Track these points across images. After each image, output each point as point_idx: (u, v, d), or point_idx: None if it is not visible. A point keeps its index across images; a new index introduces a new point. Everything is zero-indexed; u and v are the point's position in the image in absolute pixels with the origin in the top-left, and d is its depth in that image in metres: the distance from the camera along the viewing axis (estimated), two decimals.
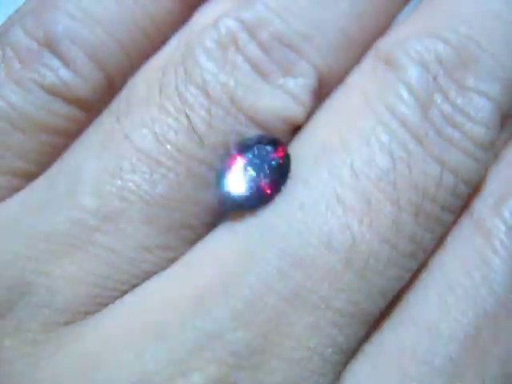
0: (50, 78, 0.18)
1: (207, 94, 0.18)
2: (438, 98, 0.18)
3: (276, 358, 0.16)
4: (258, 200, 0.17)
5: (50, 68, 0.18)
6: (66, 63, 0.18)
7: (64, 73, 0.18)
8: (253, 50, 0.18)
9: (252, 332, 0.16)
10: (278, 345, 0.16)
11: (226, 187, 0.17)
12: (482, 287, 0.18)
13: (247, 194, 0.17)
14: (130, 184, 0.17)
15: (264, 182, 0.17)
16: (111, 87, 0.19)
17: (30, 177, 0.18)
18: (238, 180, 0.17)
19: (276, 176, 0.17)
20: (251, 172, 0.18)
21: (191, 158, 0.17)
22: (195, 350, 0.16)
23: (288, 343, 0.16)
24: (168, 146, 0.17)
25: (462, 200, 0.18)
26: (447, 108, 0.18)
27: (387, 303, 0.17)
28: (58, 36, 0.18)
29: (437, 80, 0.18)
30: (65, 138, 0.18)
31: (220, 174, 0.18)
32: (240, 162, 0.18)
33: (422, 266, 0.18)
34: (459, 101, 0.18)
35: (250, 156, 0.18)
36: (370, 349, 0.17)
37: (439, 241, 0.18)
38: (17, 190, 0.18)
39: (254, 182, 0.17)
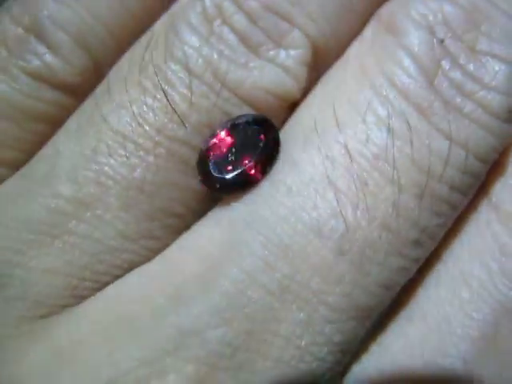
0: (35, 64, 0.16)
1: (188, 69, 0.16)
2: (446, 65, 0.15)
3: (262, 357, 0.14)
4: (243, 184, 0.15)
5: (36, 54, 0.16)
6: (52, 48, 0.16)
7: (50, 58, 0.16)
8: (239, 20, 0.16)
9: (234, 329, 0.14)
10: (264, 343, 0.14)
11: (208, 170, 0.15)
12: (500, 280, 0.15)
13: (232, 177, 0.15)
14: (106, 168, 0.16)
15: (250, 164, 0.15)
16: (99, 72, 0.17)
17: (18, 166, 0.17)
18: (222, 162, 0.15)
19: (263, 158, 0.15)
20: (236, 154, 0.15)
21: (171, 139, 0.16)
22: (171, 349, 0.14)
23: (276, 341, 0.14)
24: (146, 127, 0.16)
25: (477, 179, 0.15)
26: (456, 75, 0.15)
27: (392, 297, 0.15)
28: (43, 21, 0.17)
29: (444, 44, 0.15)
30: (53, 125, 0.17)
31: (203, 155, 0.16)
32: (224, 143, 0.16)
33: (433, 256, 0.16)
34: (470, 66, 0.15)
35: (236, 136, 0.16)
36: (375, 348, 0.15)
37: (451, 226, 0.16)
38: (4, 179, 0.17)
39: (239, 164, 0.15)
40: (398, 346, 0.15)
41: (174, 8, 0.17)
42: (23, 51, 0.17)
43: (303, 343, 0.14)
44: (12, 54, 0.17)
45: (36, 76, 0.16)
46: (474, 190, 0.16)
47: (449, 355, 0.15)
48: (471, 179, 0.15)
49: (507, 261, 0.15)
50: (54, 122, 0.17)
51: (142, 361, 0.14)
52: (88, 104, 0.17)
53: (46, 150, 0.17)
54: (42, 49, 0.16)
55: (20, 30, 0.17)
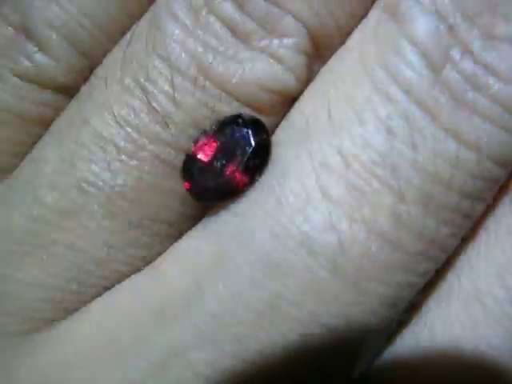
0: (24, 63, 0.15)
1: (170, 65, 0.14)
2: (456, 54, 0.13)
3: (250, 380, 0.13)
4: (230, 192, 0.14)
5: (25, 53, 0.15)
6: (43, 48, 0.15)
7: (39, 57, 0.15)
8: (227, 7, 0.14)
9: (218, 351, 0.13)
10: (249, 366, 0.13)
11: (193, 176, 0.14)
12: None
13: (218, 184, 0.14)
14: (87, 174, 0.14)
15: (238, 171, 0.14)
16: (91, 70, 0.16)
17: (9, 171, 0.16)
18: (208, 168, 0.14)
19: (252, 164, 0.14)
20: (223, 159, 0.14)
21: (155, 141, 0.14)
22: (153, 371, 0.13)
23: (263, 364, 0.13)
24: (128, 129, 0.14)
25: (494, 183, 0.14)
26: (468, 66, 0.13)
27: (398, 315, 0.14)
28: (33, 20, 0.15)
29: (453, 30, 0.13)
30: (45, 126, 0.16)
31: (188, 160, 0.14)
32: (211, 146, 0.14)
33: (446, 268, 0.14)
34: (485, 55, 0.13)
35: (223, 139, 0.14)
36: (379, 363, 0.14)
37: (466, 235, 0.14)
38: None
39: (227, 170, 0.14)
40: (404, 364, 0.14)
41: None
42: (13, 52, 0.15)
43: (296, 368, 0.13)
44: (1, 55, 0.16)
45: (24, 76, 0.15)
46: (491, 196, 0.14)
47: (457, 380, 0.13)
48: (486, 184, 0.13)
49: None
50: (47, 124, 0.16)
51: (126, 382, 0.13)
52: (71, 105, 0.15)
53: (34, 155, 0.16)
54: (30, 48, 0.15)
55: (10, 30, 0.16)
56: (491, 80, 0.13)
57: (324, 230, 0.13)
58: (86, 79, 0.16)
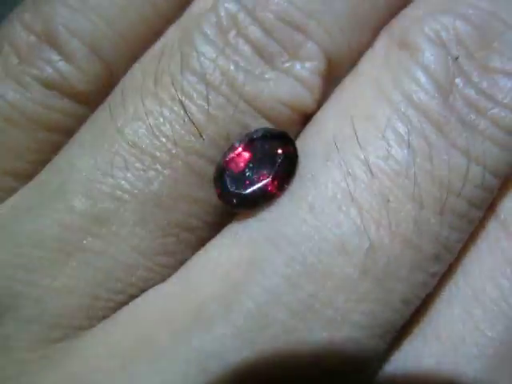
0: (48, 72, 0.16)
1: (205, 81, 0.15)
2: (460, 82, 0.15)
3: None
4: (261, 200, 0.15)
5: (49, 62, 0.16)
6: (66, 56, 0.16)
7: (63, 66, 0.16)
8: (254, 31, 0.15)
9: (256, 352, 0.14)
10: (284, 365, 0.14)
11: (225, 185, 0.15)
12: None
13: (249, 192, 0.15)
14: (123, 182, 0.15)
15: (267, 180, 0.15)
16: (112, 79, 0.16)
17: (27, 177, 0.16)
18: (239, 177, 0.15)
19: (282, 173, 0.15)
20: (254, 169, 0.15)
21: (189, 151, 0.15)
22: (193, 374, 0.13)
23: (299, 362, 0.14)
24: (163, 139, 0.15)
25: (490, 194, 0.15)
26: (470, 92, 0.15)
27: (411, 312, 0.15)
28: (56, 28, 0.16)
29: (458, 62, 0.15)
30: (65, 134, 0.16)
31: (220, 170, 0.15)
32: (242, 158, 0.15)
33: (446, 273, 0.16)
34: (483, 84, 0.15)
35: (253, 151, 0.15)
36: (390, 368, 0.15)
37: (466, 241, 0.16)
38: (15, 191, 0.16)
39: (257, 179, 0.15)
40: (413, 365, 0.15)
41: (187, 17, 0.17)
42: (36, 59, 0.16)
43: (327, 364, 0.14)
44: (24, 62, 0.16)
45: (49, 84, 0.16)
46: (488, 205, 0.16)
47: (465, 375, 0.15)
48: (487, 194, 0.15)
49: None
50: (66, 132, 0.16)
51: None
52: (101, 115, 0.16)
53: (59, 163, 0.16)
54: (55, 57, 0.16)
55: (32, 38, 0.16)
56: (489, 105, 0.15)
57: (355, 233, 0.14)
58: (108, 88, 0.16)
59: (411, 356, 0.15)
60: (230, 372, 0.13)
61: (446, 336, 0.15)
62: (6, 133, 0.16)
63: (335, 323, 0.14)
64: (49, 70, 0.16)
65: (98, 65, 0.16)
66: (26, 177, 0.16)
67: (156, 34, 0.17)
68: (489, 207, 0.16)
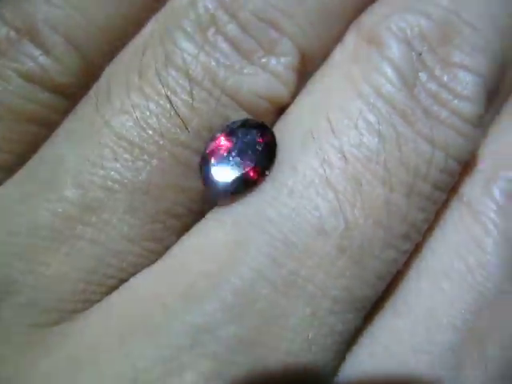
0: (29, 65, 0.16)
1: (188, 76, 0.16)
2: (424, 76, 0.16)
3: (273, 351, 0.15)
4: (243, 186, 0.16)
5: (30, 56, 0.16)
6: (46, 50, 0.16)
7: (44, 60, 0.16)
8: (232, 29, 0.16)
9: (245, 325, 0.15)
10: (274, 337, 0.15)
11: (210, 173, 0.16)
12: (478, 271, 0.16)
13: (232, 180, 0.16)
14: (113, 173, 0.16)
15: (249, 167, 0.16)
16: (92, 73, 0.17)
17: (11, 169, 0.16)
18: (223, 165, 0.16)
19: (262, 161, 0.16)
20: (236, 157, 0.16)
21: (175, 142, 0.16)
22: (186, 346, 0.14)
23: (285, 335, 0.15)
24: (150, 132, 0.16)
25: (453, 177, 0.17)
26: (433, 86, 0.16)
27: (384, 287, 0.16)
28: (36, 23, 0.16)
29: (421, 57, 0.16)
30: (47, 127, 0.17)
31: (204, 159, 0.16)
32: (224, 147, 0.16)
33: (415, 251, 0.17)
34: (444, 77, 0.16)
35: (235, 140, 0.16)
36: (366, 341, 0.16)
37: (431, 221, 0.17)
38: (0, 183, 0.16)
39: (239, 167, 0.16)
40: (388, 338, 0.16)
41: (167, 11, 0.17)
42: (17, 53, 0.16)
43: (310, 335, 0.15)
44: (5, 57, 0.16)
45: (30, 78, 0.16)
46: (450, 188, 0.17)
47: (437, 343, 0.16)
48: (449, 178, 0.16)
49: (482, 253, 0.17)
50: (48, 124, 0.17)
51: (160, 360, 0.14)
52: (87, 108, 0.16)
53: (48, 154, 0.16)
54: (35, 51, 0.16)
55: (12, 33, 0.16)
56: (450, 97, 0.16)
57: (332, 214, 0.15)
58: (88, 81, 0.17)
59: (385, 328, 0.17)
60: (222, 344, 0.14)
61: (417, 309, 0.16)
62: None
63: (316, 298, 0.15)
64: (29, 63, 0.16)
65: (78, 58, 0.16)
66: (9, 168, 0.16)
67: (134, 27, 0.17)
68: (453, 190, 0.17)
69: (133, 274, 0.16)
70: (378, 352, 0.16)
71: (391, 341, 0.16)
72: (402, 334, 0.16)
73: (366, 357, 0.16)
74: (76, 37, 0.16)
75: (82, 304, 0.15)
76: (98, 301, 0.16)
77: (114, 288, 0.16)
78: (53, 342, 0.15)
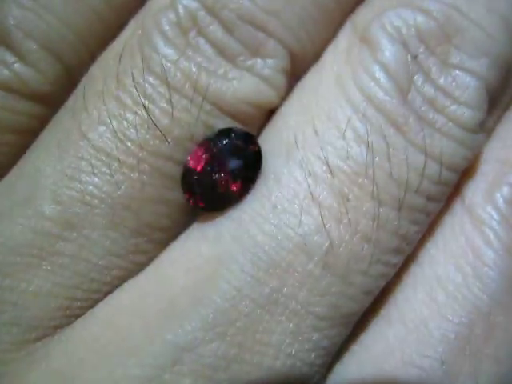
0: (4, 73, 0.15)
1: (167, 83, 0.15)
2: (419, 80, 0.15)
3: (255, 367, 0.15)
4: (227, 200, 0.15)
5: (4, 63, 0.15)
6: (20, 57, 0.15)
7: (19, 67, 0.15)
8: (215, 30, 0.15)
9: (227, 342, 0.14)
10: (256, 354, 0.15)
11: (192, 186, 0.15)
12: (474, 283, 0.16)
13: (216, 193, 0.15)
14: (91, 187, 0.15)
15: (233, 179, 0.15)
16: (71, 79, 0.16)
17: None
18: (205, 178, 0.15)
19: (246, 173, 0.15)
20: (219, 169, 0.15)
21: (155, 154, 0.15)
22: (168, 365, 0.14)
23: (267, 351, 0.15)
24: (128, 144, 0.15)
25: (450, 187, 0.16)
26: (429, 90, 0.15)
27: (372, 301, 0.16)
28: (9, 29, 0.15)
29: (417, 59, 0.15)
30: (26, 135, 0.16)
31: (186, 172, 0.15)
32: (207, 158, 0.15)
33: (411, 259, 0.16)
34: (442, 81, 0.15)
35: (219, 151, 0.15)
36: (356, 348, 0.16)
37: (427, 231, 0.16)
38: None
39: (223, 180, 0.15)
40: (379, 347, 0.16)
41: (145, 13, 0.16)
42: None
43: (293, 351, 0.15)
44: None
45: (5, 86, 0.15)
46: (447, 197, 0.16)
47: (427, 356, 0.15)
48: (444, 188, 0.16)
49: (480, 264, 0.16)
50: (27, 133, 0.16)
51: (143, 378, 0.14)
52: (64, 118, 0.16)
53: (25, 167, 0.16)
54: (10, 57, 0.15)
55: None
56: (447, 102, 0.15)
57: (316, 231, 0.15)
58: (67, 88, 0.16)
59: (376, 336, 0.16)
60: (202, 363, 0.14)
61: (410, 319, 0.16)
62: None
63: (299, 315, 0.15)
64: (5, 71, 0.15)
65: (56, 65, 0.16)
66: None
67: (112, 34, 0.16)
68: (455, 193, 0.17)
69: (118, 286, 0.16)
70: (366, 361, 0.16)
71: (381, 351, 0.16)
72: (393, 344, 0.16)
73: (355, 367, 0.16)
74: (52, 42, 0.16)
75: (66, 319, 0.15)
76: (83, 314, 0.15)
77: (99, 301, 0.16)
78: (37, 359, 0.15)
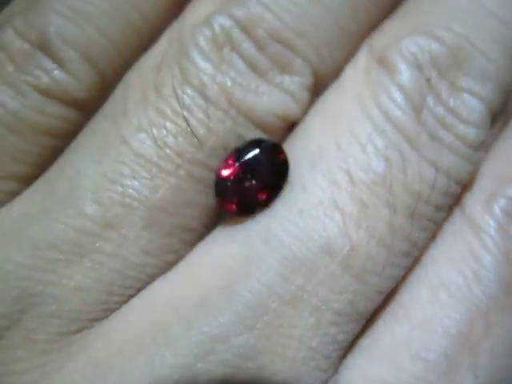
0: (44, 79, 0.16)
1: (205, 96, 0.16)
2: (431, 101, 0.17)
3: (280, 358, 0.16)
4: (255, 205, 0.17)
5: (44, 70, 0.16)
6: (60, 64, 0.16)
7: (58, 74, 0.16)
8: (248, 48, 0.17)
9: (256, 335, 0.16)
10: (281, 346, 0.16)
11: (225, 192, 0.17)
12: (474, 284, 0.17)
13: (246, 199, 0.17)
14: (131, 190, 0.16)
15: (262, 187, 0.17)
16: (105, 86, 0.17)
17: (28, 180, 0.17)
18: (237, 185, 0.17)
19: (274, 181, 0.17)
20: (249, 177, 0.17)
21: (191, 161, 0.16)
22: (202, 354, 0.15)
23: (291, 344, 0.16)
24: (167, 151, 0.16)
25: (454, 198, 0.18)
26: (439, 110, 0.17)
27: (383, 299, 0.17)
28: (50, 37, 0.16)
29: (430, 82, 0.17)
30: (62, 139, 0.17)
31: (219, 179, 0.17)
32: (238, 166, 0.17)
33: (416, 262, 0.18)
34: (451, 102, 0.17)
35: (249, 160, 0.17)
36: (366, 343, 0.17)
37: (435, 234, 0.18)
38: (16, 194, 0.17)
39: (254, 187, 0.17)
40: (386, 341, 0.17)
41: (180, 28, 0.18)
42: (31, 67, 0.17)
43: (314, 344, 0.16)
44: (19, 69, 0.17)
45: (45, 92, 0.17)
46: (450, 206, 0.18)
47: (432, 350, 0.17)
48: (450, 199, 0.17)
49: (480, 268, 0.17)
50: (64, 136, 0.17)
51: (178, 367, 0.15)
52: (103, 123, 0.17)
53: (66, 169, 0.17)
54: (49, 64, 0.16)
55: (26, 45, 0.17)
56: (455, 122, 0.17)
57: (338, 235, 0.16)
58: (101, 95, 0.17)
59: (384, 331, 0.17)
60: (234, 354, 0.16)
61: (415, 315, 0.17)
62: (7, 139, 0.17)
63: (320, 311, 0.16)
64: (45, 78, 0.16)
65: (92, 72, 0.17)
66: (25, 180, 0.17)
67: (145, 44, 0.18)
68: (455, 203, 0.18)
69: (149, 283, 0.17)
70: (375, 355, 0.17)
71: (389, 344, 0.18)
72: (400, 338, 0.17)
73: (364, 360, 0.17)
74: (90, 51, 0.17)
75: (103, 313, 0.16)
76: (118, 308, 0.17)
77: (132, 297, 0.17)
78: (75, 348, 0.16)
